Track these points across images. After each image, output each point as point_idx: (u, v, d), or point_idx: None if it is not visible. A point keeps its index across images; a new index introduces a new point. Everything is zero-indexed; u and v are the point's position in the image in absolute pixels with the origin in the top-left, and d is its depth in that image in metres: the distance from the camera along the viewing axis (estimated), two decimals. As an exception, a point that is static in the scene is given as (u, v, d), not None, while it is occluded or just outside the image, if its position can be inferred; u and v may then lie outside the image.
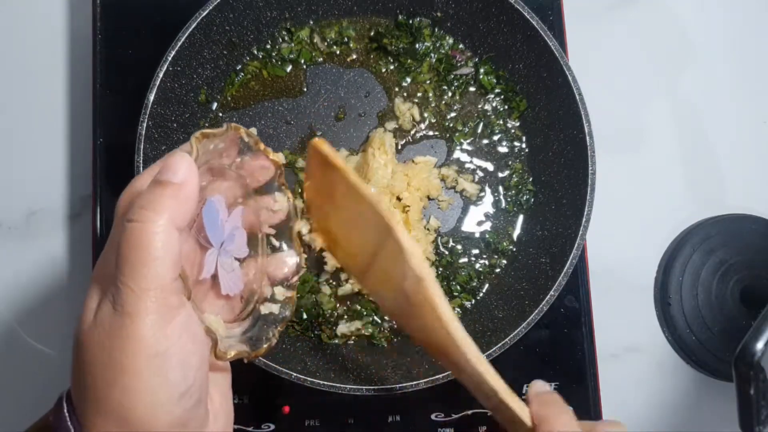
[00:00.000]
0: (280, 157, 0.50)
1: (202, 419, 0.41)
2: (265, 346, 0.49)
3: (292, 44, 0.74)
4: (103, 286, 0.39)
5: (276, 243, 0.53)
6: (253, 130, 0.47)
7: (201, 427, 0.41)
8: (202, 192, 0.46)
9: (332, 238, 0.50)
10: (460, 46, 0.75)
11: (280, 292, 0.52)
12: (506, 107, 0.74)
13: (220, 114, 0.72)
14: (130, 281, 0.37)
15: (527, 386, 0.47)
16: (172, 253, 0.37)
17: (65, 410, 0.39)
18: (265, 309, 0.51)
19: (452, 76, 0.74)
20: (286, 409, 0.69)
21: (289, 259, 0.53)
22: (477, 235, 0.73)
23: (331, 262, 0.69)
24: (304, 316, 0.69)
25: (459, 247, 0.72)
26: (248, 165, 0.49)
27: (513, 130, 0.74)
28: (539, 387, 0.45)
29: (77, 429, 0.39)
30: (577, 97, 0.66)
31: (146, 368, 0.37)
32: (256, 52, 0.73)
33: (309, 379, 0.62)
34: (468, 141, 0.74)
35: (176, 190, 0.38)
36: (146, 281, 0.37)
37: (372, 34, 0.74)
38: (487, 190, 0.73)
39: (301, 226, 0.53)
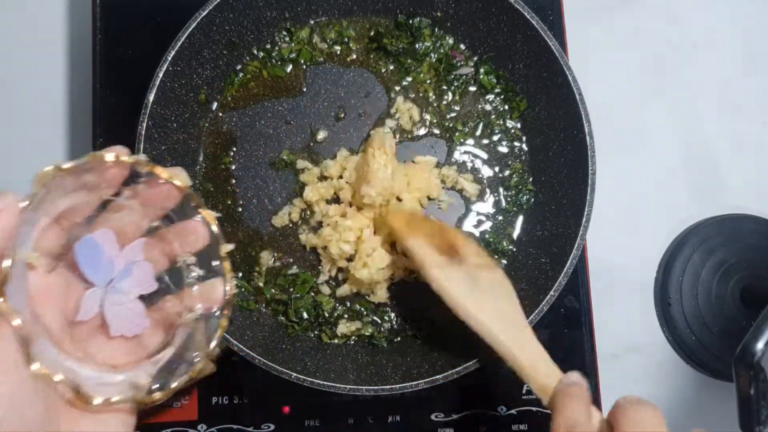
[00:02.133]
0: (184, 180, 0.44)
1: None
2: (170, 387, 0.43)
3: (292, 44, 0.74)
4: None
5: (200, 271, 0.48)
6: (143, 157, 0.43)
7: None
8: (85, 228, 0.43)
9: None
10: (460, 46, 0.75)
11: (203, 324, 0.46)
12: (506, 107, 0.74)
13: (220, 114, 0.72)
14: None
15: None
16: None
17: None
18: (180, 345, 0.46)
19: (452, 76, 0.74)
20: (286, 409, 0.69)
21: (217, 287, 0.47)
22: (477, 235, 0.73)
23: (326, 265, 0.69)
24: (304, 316, 0.69)
25: (459, 247, 0.72)
26: (144, 193, 0.45)
27: (513, 130, 0.74)
28: (573, 378, 0.48)
29: None
30: (577, 97, 0.66)
31: None
32: (256, 52, 0.73)
33: (309, 379, 0.61)
34: (468, 141, 0.74)
35: None
36: None
37: (372, 34, 0.74)
38: (487, 190, 0.73)
39: (229, 248, 0.47)
